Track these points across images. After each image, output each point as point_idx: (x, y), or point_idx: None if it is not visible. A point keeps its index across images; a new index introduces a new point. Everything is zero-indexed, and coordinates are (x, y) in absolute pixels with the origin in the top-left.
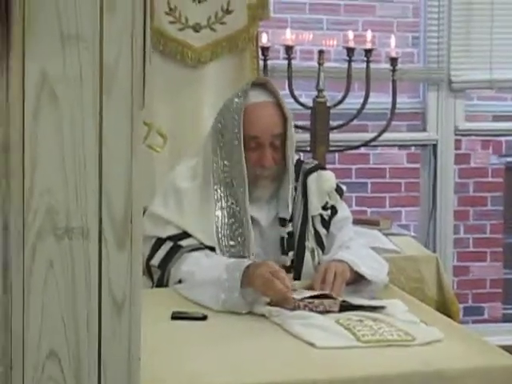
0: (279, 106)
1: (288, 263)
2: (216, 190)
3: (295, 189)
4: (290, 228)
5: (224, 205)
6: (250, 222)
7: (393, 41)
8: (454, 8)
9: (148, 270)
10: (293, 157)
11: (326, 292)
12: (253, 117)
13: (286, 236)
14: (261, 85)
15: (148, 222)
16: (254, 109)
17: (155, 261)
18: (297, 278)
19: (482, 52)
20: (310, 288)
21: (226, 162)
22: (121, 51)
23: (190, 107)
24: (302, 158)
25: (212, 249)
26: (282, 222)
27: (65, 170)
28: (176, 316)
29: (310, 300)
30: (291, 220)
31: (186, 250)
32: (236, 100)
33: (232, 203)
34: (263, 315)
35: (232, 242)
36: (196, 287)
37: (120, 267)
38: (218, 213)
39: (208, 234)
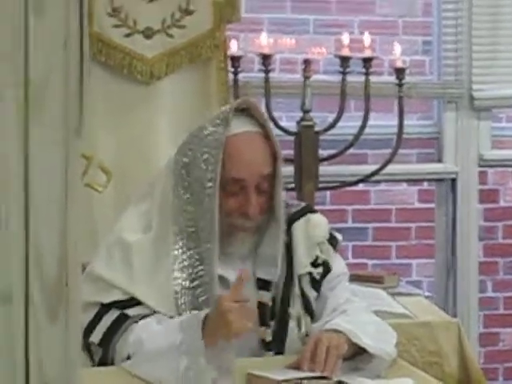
0: (267, 137)
1: (269, 337)
2: (176, 243)
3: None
4: (271, 292)
5: (186, 263)
6: (218, 285)
7: (398, 47)
8: (475, 4)
9: (87, 348)
10: (282, 203)
11: (317, 374)
12: (236, 153)
13: (268, 302)
14: (242, 110)
15: (87, 285)
16: (238, 142)
17: (95, 337)
18: (279, 352)
19: None
20: (296, 367)
21: (190, 208)
22: (51, 65)
23: (141, 135)
24: (284, 199)
25: None
26: (262, 284)
27: None
28: None
29: (297, 380)
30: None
31: (133, 321)
32: (212, 129)
33: (196, 260)
34: None
35: (196, 312)
36: (148, 360)
37: (52, 342)
38: (178, 274)
39: (164, 300)
